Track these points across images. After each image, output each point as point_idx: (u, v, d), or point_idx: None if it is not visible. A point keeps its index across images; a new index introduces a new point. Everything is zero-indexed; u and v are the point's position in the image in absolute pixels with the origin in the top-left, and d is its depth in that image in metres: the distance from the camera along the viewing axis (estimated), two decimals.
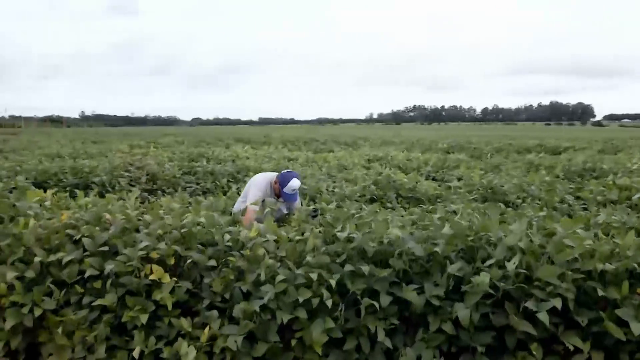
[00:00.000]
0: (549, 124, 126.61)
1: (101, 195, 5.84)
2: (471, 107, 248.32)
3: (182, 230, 3.07)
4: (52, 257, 2.93)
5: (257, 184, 4.21)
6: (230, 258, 2.84)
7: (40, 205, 3.68)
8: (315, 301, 2.54)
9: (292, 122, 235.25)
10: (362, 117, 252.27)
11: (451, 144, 15.32)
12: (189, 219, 3.14)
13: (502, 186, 5.26)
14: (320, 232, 3.09)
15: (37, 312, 2.79)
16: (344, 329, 2.61)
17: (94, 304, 2.75)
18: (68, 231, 3.13)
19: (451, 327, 2.37)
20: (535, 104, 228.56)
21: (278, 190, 4.14)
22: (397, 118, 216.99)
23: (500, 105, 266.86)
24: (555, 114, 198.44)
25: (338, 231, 2.83)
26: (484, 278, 2.35)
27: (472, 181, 5.87)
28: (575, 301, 2.38)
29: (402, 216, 3.74)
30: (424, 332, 2.47)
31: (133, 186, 6.07)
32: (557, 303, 2.26)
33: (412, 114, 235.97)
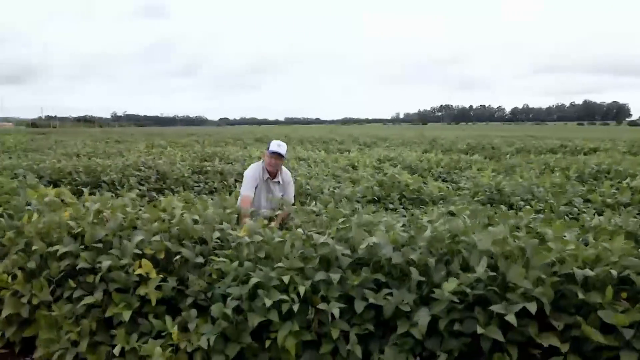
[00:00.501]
0: (582, 124, 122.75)
1: (114, 193, 6.01)
2: (500, 106, 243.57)
3: (176, 228, 3.14)
4: (50, 249, 3.04)
5: (248, 172, 4.40)
6: (214, 257, 2.88)
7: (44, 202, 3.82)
8: (286, 305, 2.54)
9: (318, 122, 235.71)
10: (388, 117, 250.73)
11: (471, 144, 15.04)
12: (179, 216, 3.20)
13: (506, 189, 5.14)
14: (304, 234, 3.10)
15: (35, 301, 2.91)
16: (322, 332, 2.61)
17: (82, 302, 2.82)
18: (70, 223, 3.23)
19: (419, 332, 2.33)
20: (567, 104, 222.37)
21: (268, 160, 4.31)
22: (423, 118, 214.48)
23: (531, 105, 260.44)
24: (589, 113, 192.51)
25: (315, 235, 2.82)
26: (451, 284, 2.32)
27: (479, 183, 5.76)
28: (554, 305, 2.32)
29: (405, 218, 3.71)
30: (395, 337, 2.45)
31: (142, 185, 6.22)
32: (532, 307, 2.20)
33: (439, 113, 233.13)
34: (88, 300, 2.83)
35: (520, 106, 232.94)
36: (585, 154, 11.77)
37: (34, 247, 2.94)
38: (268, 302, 2.52)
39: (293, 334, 2.53)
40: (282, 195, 4.42)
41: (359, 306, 2.53)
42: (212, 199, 4.69)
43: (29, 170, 6.22)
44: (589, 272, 2.32)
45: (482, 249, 2.51)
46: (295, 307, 2.51)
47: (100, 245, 3.05)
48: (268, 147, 4.36)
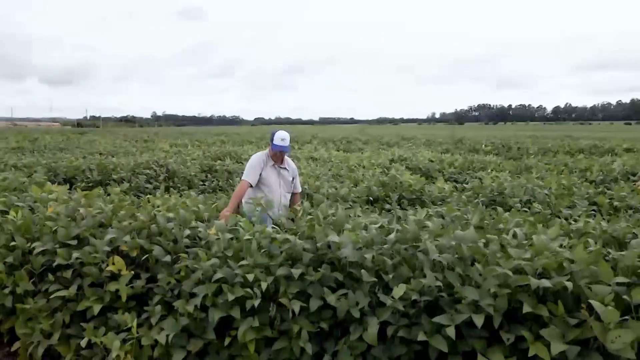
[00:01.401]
0: (629, 124, 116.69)
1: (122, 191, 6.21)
2: (541, 105, 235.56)
3: (154, 225, 3.21)
4: (28, 246, 3.18)
5: (252, 159, 4.30)
6: (182, 255, 2.93)
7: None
8: (250, 302, 2.56)
9: (352, 121, 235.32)
10: (424, 117, 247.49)
11: (496, 144, 14.61)
12: (152, 214, 3.28)
13: (506, 190, 4.97)
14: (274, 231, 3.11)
15: (19, 291, 3.04)
16: (282, 330, 2.62)
17: (54, 295, 2.93)
18: (47, 223, 3.37)
19: (372, 338, 2.29)
20: (613, 102, 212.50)
21: (272, 153, 4.23)
22: (459, 117, 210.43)
23: (574, 104, 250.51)
24: (637, 112, 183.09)
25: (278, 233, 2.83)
26: (400, 289, 2.27)
27: (483, 184, 5.60)
28: (510, 316, 2.24)
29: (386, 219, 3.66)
30: (345, 340, 2.42)
31: (151, 183, 6.40)
32: (478, 319, 2.12)
33: (476, 113, 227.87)
34: (61, 293, 2.94)
35: (562, 105, 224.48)
36: (616, 155, 11.21)
37: (12, 243, 3.07)
38: (230, 297, 2.54)
39: (252, 330, 2.55)
40: (293, 179, 4.42)
41: (314, 304, 2.52)
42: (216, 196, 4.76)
43: (45, 168, 6.52)
44: (545, 282, 2.21)
45: (436, 256, 2.44)
46: (256, 303, 2.52)
47: (75, 242, 3.15)
48: (272, 140, 4.23)
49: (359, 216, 3.31)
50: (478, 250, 2.50)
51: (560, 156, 10.13)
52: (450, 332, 2.07)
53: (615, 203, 4.65)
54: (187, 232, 3.14)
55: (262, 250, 2.80)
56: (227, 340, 2.61)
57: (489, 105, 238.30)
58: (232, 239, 3.06)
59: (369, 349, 2.38)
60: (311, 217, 3.11)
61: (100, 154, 9.80)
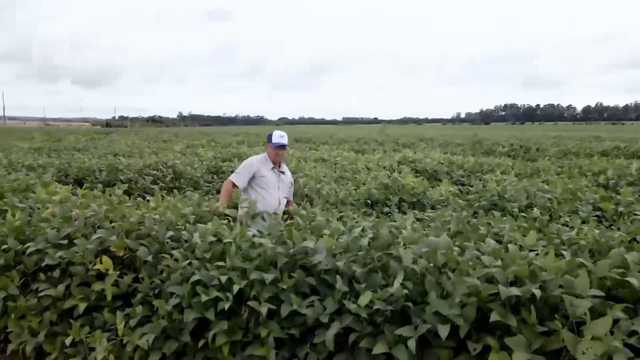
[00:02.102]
0: None
1: (127, 192, 6.35)
2: (570, 105, 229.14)
3: (142, 227, 3.28)
4: (20, 247, 3.28)
5: (246, 162, 4.24)
6: (165, 255, 2.98)
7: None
8: (223, 303, 2.58)
9: (376, 121, 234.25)
10: (449, 117, 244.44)
11: (514, 145, 14.29)
12: (140, 216, 3.34)
13: (506, 194, 4.86)
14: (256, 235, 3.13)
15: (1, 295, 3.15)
16: (257, 334, 2.63)
17: (41, 294, 3.02)
18: (41, 224, 3.48)
19: (329, 341, 2.29)
20: None
21: (274, 152, 4.19)
22: (485, 117, 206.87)
23: (605, 103, 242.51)
24: None
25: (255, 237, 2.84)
26: (366, 297, 2.25)
27: (488, 187, 5.50)
28: (480, 325, 2.20)
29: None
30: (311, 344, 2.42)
31: (156, 184, 6.51)
32: (443, 330, 2.09)
33: (502, 113, 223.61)
34: (49, 292, 3.02)
35: (593, 104, 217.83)
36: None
37: (4, 247, 3.18)
38: (204, 298, 2.58)
39: (223, 334, 2.57)
40: (292, 183, 4.42)
41: (285, 310, 2.52)
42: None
43: (57, 169, 6.71)
44: (514, 290, 2.16)
45: (406, 263, 2.41)
46: (226, 305, 2.54)
47: (65, 241, 3.24)
48: (270, 139, 4.22)
49: (355, 220, 3.30)
50: (451, 258, 2.46)
51: (580, 158, 9.84)
52: (411, 345, 2.04)
53: (621, 209, 4.50)
54: (170, 233, 3.18)
55: (240, 253, 2.82)
56: (201, 343, 2.64)
57: (516, 104, 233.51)
58: (214, 241, 3.09)
59: (333, 355, 2.37)
60: (292, 221, 3.12)
61: (115, 154, 10.04)
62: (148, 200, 4.08)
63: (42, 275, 3.20)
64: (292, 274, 2.67)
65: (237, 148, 12.61)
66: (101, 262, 3.04)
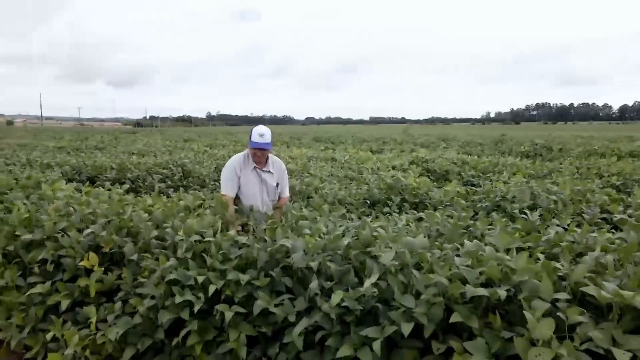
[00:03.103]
0: None
1: (135, 190, 6.48)
2: (606, 104, 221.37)
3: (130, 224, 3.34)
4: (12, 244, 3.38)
5: (225, 167, 3.80)
6: (146, 255, 3.02)
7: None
8: (198, 303, 2.60)
9: (403, 121, 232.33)
10: (478, 117, 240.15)
11: (537, 145, 13.89)
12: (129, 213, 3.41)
13: (508, 195, 4.72)
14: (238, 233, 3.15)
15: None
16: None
17: (29, 291, 3.10)
18: (42, 217, 3.58)
19: (295, 337, 2.28)
20: None
21: (252, 153, 3.72)
22: (516, 117, 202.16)
23: None
24: None
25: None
26: (337, 296, 2.23)
27: (493, 188, 5.36)
28: (448, 327, 2.15)
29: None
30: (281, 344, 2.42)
31: (165, 182, 6.64)
32: (406, 328, 2.05)
33: (534, 112, 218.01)
34: (36, 290, 3.10)
35: (630, 103, 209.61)
36: None
37: None
38: (178, 299, 2.60)
39: (195, 334, 2.60)
40: (277, 184, 3.85)
41: (257, 308, 2.52)
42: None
43: (72, 166, 6.93)
44: (480, 290, 2.10)
45: (383, 262, 2.38)
46: (197, 307, 2.56)
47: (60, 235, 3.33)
48: (250, 137, 3.66)
49: (350, 219, 3.29)
50: (423, 258, 2.41)
51: (604, 159, 9.46)
52: (376, 347, 2.01)
53: (629, 211, 4.31)
54: (155, 232, 3.22)
55: (219, 253, 2.84)
56: (174, 341, 2.67)
57: (549, 104, 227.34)
58: (197, 241, 3.12)
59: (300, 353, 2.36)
60: (272, 220, 3.12)
61: (132, 153, 10.28)
62: (147, 197, 4.15)
63: (36, 269, 3.29)
64: (271, 272, 2.67)
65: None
66: (88, 259, 3.11)
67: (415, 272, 2.22)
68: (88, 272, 3.12)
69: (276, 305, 2.50)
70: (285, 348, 2.45)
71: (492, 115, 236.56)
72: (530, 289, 2.09)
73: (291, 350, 2.39)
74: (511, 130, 42.76)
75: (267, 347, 2.56)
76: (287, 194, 4.03)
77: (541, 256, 2.34)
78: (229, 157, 9.07)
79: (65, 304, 2.99)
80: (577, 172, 7.08)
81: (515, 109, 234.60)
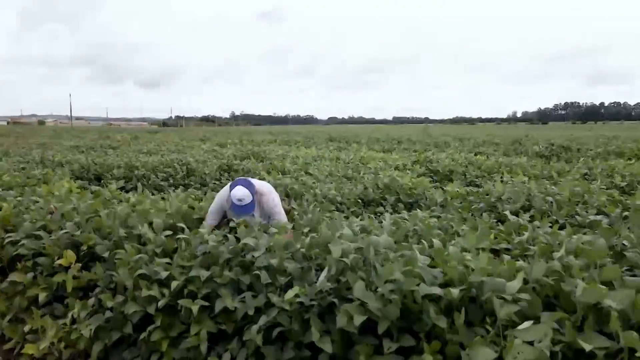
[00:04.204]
0: None
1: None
2: (639, 103, 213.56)
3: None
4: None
5: (212, 205, 3.69)
6: (118, 251, 3.08)
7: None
8: (164, 299, 2.64)
9: (427, 121, 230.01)
10: (504, 116, 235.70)
11: (554, 145, 13.52)
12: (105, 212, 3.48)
13: (503, 196, 4.62)
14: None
15: None
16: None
17: (9, 279, 3.20)
18: (24, 216, 3.70)
19: (253, 334, 2.28)
20: None
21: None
22: (544, 116, 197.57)
23: None
24: None
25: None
26: (292, 292, 2.23)
27: (491, 189, 5.25)
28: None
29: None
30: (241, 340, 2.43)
31: (167, 181, 6.74)
32: (358, 319, 2.04)
33: (562, 111, 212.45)
34: (18, 278, 3.20)
35: None
36: None
37: None
38: (144, 293, 2.65)
39: (159, 329, 2.63)
40: (270, 218, 3.62)
41: (218, 305, 2.55)
42: None
43: (81, 165, 7.12)
44: (435, 289, 2.07)
45: (335, 256, 2.37)
46: (161, 303, 2.60)
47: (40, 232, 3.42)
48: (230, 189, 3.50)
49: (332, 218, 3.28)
50: (386, 256, 2.39)
51: (622, 159, 9.16)
52: (326, 347, 2.01)
53: (625, 213, 4.16)
54: (123, 231, 3.27)
55: (184, 250, 2.88)
56: (142, 336, 2.71)
57: (578, 103, 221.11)
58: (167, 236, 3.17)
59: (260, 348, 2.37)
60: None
61: (144, 152, 10.49)
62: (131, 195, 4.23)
63: (18, 265, 3.39)
64: (235, 269, 2.69)
65: (260, 146, 12.79)
66: (65, 257, 3.18)
67: (377, 265, 2.20)
68: (67, 268, 3.20)
69: (239, 302, 2.52)
70: (246, 344, 2.46)
71: (519, 114, 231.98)
72: (491, 289, 2.05)
73: (249, 347, 2.41)
74: (536, 130, 41.79)
75: (229, 343, 2.58)
76: (282, 220, 3.60)
77: (506, 257, 2.29)
78: (234, 156, 9.28)
79: (42, 296, 3.08)
80: (587, 173, 6.86)
81: (542, 108, 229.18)
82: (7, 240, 3.41)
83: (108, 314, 2.79)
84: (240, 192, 3.41)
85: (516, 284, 1.98)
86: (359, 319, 2.04)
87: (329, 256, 2.48)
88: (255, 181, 3.74)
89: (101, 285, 3.07)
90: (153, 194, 5.74)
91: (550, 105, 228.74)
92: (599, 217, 4.06)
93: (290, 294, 2.25)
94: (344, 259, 2.30)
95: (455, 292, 2.00)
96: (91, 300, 2.96)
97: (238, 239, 2.89)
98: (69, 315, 2.84)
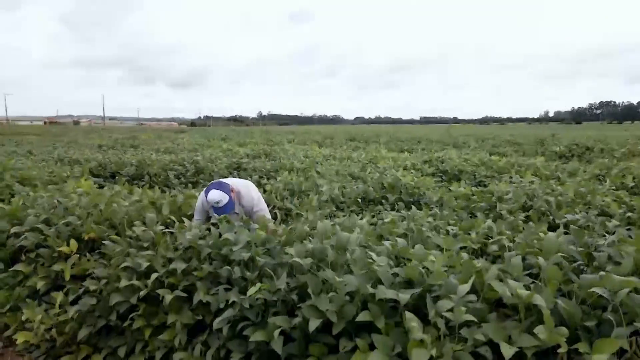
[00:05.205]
0: None
1: (150, 185, 6.79)
2: None
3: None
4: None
5: (197, 204, 3.78)
6: (105, 242, 3.21)
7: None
8: (144, 290, 2.75)
9: (455, 121, 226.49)
10: (535, 116, 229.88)
11: (578, 145, 13.14)
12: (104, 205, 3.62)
13: (505, 196, 4.55)
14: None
15: None
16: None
17: (13, 268, 3.38)
18: (29, 211, 3.88)
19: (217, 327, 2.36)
20: None
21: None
22: (578, 116, 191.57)
23: None
24: None
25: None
26: (253, 288, 2.29)
27: (493, 189, 5.19)
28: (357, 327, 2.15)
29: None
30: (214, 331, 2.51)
31: (178, 178, 6.92)
32: (314, 323, 2.08)
33: (597, 111, 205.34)
34: (19, 267, 3.38)
35: None
36: None
37: None
38: (124, 283, 2.77)
39: (140, 318, 2.74)
40: (250, 215, 3.70)
41: (196, 297, 2.63)
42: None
43: (98, 162, 7.40)
44: (389, 293, 2.08)
45: (296, 256, 2.42)
46: (142, 293, 2.72)
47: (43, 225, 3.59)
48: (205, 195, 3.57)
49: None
50: (347, 257, 2.42)
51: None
52: (277, 346, 2.06)
53: (629, 214, 4.05)
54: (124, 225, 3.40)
55: (165, 243, 2.98)
56: (125, 324, 2.82)
57: (614, 102, 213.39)
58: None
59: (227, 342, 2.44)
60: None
61: (161, 151, 10.77)
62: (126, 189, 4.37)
63: (22, 256, 3.57)
64: (215, 263, 2.77)
65: (280, 145, 12.91)
66: (68, 245, 3.34)
67: (328, 271, 2.22)
68: (66, 258, 3.35)
69: (213, 295, 2.60)
70: (216, 335, 2.53)
71: (551, 114, 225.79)
72: (446, 290, 2.05)
73: (221, 338, 2.48)
74: (568, 130, 40.48)
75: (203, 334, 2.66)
76: (264, 214, 3.73)
77: (465, 255, 2.28)
78: (246, 155, 9.43)
79: (40, 284, 3.23)
80: (600, 174, 6.67)
81: (576, 107, 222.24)
82: (12, 232, 3.58)
83: (94, 300, 2.91)
84: (215, 195, 3.50)
85: (466, 287, 1.99)
86: (314, 323, 2.07)
87: (287, 256, 2.54)
88: (229, 180, 3.81)
89: (95, 274, 3.21)
90: (163, 191, 5.91)
91: (585, 105, 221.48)
92: (576, 217, 3.93)
93: (252, 290, 2.30)
94: (298, 259, 2.34)
95: (404, 297, 2.00)
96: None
97: (221, 234, 2.97)
98: (58, 300, 2.97)
